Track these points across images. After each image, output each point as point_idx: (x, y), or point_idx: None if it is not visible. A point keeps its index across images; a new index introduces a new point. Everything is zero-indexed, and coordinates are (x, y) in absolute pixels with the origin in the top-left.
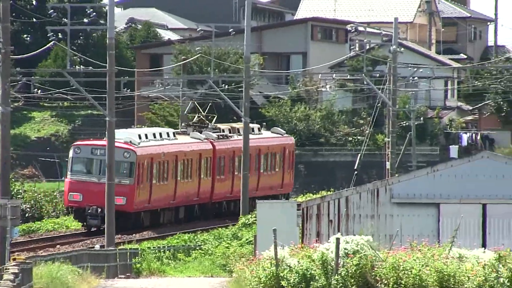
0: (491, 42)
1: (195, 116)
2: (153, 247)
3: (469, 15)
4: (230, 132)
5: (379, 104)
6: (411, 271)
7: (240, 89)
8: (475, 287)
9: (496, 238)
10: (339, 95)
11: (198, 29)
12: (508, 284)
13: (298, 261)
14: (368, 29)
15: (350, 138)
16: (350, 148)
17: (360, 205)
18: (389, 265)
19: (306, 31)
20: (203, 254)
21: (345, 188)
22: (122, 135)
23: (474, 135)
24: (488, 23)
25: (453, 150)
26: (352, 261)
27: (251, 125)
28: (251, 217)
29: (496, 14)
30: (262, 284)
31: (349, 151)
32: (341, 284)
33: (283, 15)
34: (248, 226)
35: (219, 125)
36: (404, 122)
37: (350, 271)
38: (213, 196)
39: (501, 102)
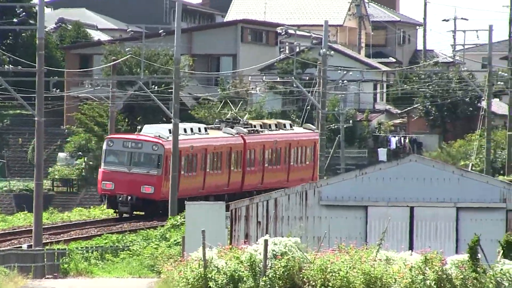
0: (420, 46)
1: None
2: (81, 248)
3: (398, 19)
4: (261, 128)
5: (309, 107)
6: (338, 273)
7: (170, 90)
8: None
9: (423, 241)
10: (268, 98)
11: (128, 30)
12: (435, 286)
13: (226, 263)
14: (298, 32)
15: None
16: None
17: (289, 207)
18: (317, 267)
19: (236, 33)
20: (131, 255)
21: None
22: (153, 130)
23: (402, 138)
24: (417, 27)
25: (382, 153)
26: (280, 263)
27: (282, 121)
28: (179, 218)
29: (424, 19)
30: (190, 285)
31: None
32: (268, 286)
33: (213, 17)
34: (176, 227)
35: (251, 121)
36: (333, 124)
37: (278, 273)
38: (243, 187)
39: (429, 106)
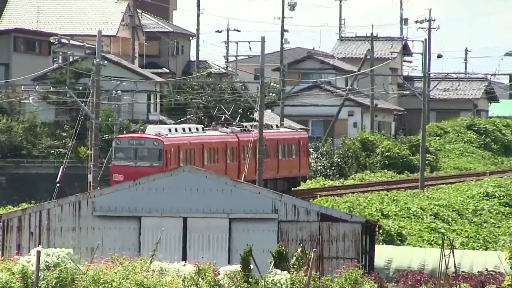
0: (193, 57)
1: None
2: None
3: (171, 30)
4: (251, 127)
5: (82, 117)
6: (111, 284)
7: None
8: None
9: (196, 251)
10: (42, 107)
11: None
12: None
13: None
14: (72, 42)
15: (53, 151)
16: (53, 161)
17: (62, 217)
18: (90, 278)
19: (9, 42)
20: None
21: (47, 200)
22: (154, 130)
23: None
24: (191, 38)
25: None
26: (52, 274)
27: (269, 122)
28: None
29: (198, 30)
30: None
31: (51, 163)
32: None
33: None
34: None
35: (242, 123)
36: (107, 135)
37: (50, 284)
38: (239, 177)
39: (202, 117)
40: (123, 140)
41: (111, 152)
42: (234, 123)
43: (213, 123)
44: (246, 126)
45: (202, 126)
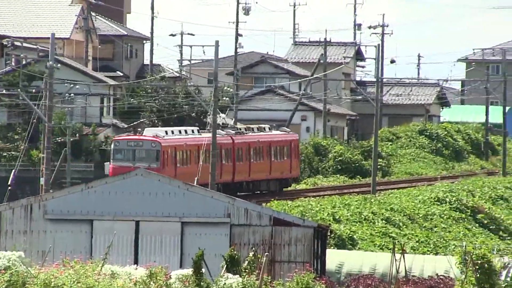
0: (147, 61)
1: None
2: None
3: (125, 33)
4: (246, 130)
5: (35, 120)
6: None
7: None
8: None
9: (148, 255)
10: None
11: None
12: None
13: None
14: (25, 44)
15: (5, 154)
16: (4, 164)
17: (13, 220)
18: (41, 282)
19: None
20: None
21: None
22: (152, 132)
23: None
24: (145, 42)
25: (108, 167)
26: (3, 277)
27: (262, 125)
28: None
29: (152, 33)
30: None
31: (3, 166)
32: None
33: None
34: None
35: (237, 126)
36: (60, 138)
37: (1, 287)
38: (235, 178)
39: (156, 120)
40: (121, 141)
41: (108, 154)
42: (229, 126)
43: (208, 125)
44: (240, 129)
45: (198, 128)
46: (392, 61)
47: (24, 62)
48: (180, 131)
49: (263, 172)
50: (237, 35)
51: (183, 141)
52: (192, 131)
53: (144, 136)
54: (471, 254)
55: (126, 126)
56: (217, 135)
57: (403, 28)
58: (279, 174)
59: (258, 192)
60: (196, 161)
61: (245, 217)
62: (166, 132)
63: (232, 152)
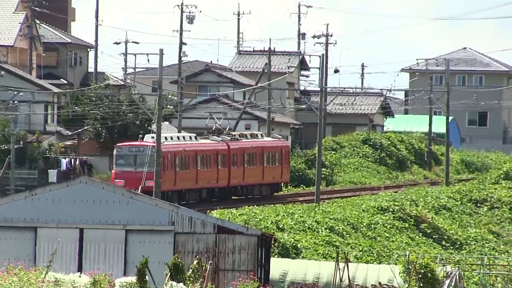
0: (91, 69)
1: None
2: None
3: (70, 41)
4: (240, 137)
5: None
6: None
7: None
8: None
9: (92, 262)
10: None
11: None
12: None
13: None
14: None
15: None
16: None
17: None
18: None
19: None
20: None
21: None
22: (153, 138)
23: (73, 160)
24: (89, 50)
25: (52, 174)
26: None
27: (255, 132)
28: None
29: (96, 41)
30: None
31: None
32: None
33: None
34: None
35: (232, 132)
36: (3, 145)
37: None
38: (230, 183)
39: (100, 128)
40: (123, 147)
41: (110, 159)
42: (224, 132)
43: (205, 132)
44: (235, 135)
45: (195, 135)
46: (336, 71)
47: None
48: (178, 137)
49: (257, 177)
50: (181, 43)
51: (181, 147)
52: (190, 137)
53: (145, 142)
54: (414, 263)
55: (70, 133)
56: (213, 141)
57: (347, 38)
58: (271, 179)
59: (251, 196)
60: (194, 167)
61: (189, 225)
62: (166, 138)
63: (228, 158)
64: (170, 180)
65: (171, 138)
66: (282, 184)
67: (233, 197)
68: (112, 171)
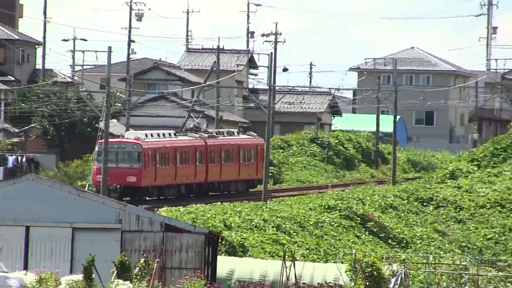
0: (39, 65)
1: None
2: None
3: (17, 37)
4: (217, 134)
5: None
6: None
7: None
8: None
9: (38, 260)
10: None
11: None
12: None
13: None
14: None
15: None
16: None
17: None
18: None
19: None
20: None
21: None
22: (133, 134)
23: (19, 157)
24: (37, 47)
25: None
26: None
27: (232, 129)
28: None
29: (44, 38)
30: None
31: None
32: None
33: None
34: None
35: (209, 130)
36: None
37: None
38: (207, 179)
39: (47, 125)
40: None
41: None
42: (202, 130)
43: (183, 129)
44: (212, 133)
45: (174, 131)
46: (285, 69)
47: None
48: (158, 134)
49: (233, 173)
50: (130, 41)
51: (162, 144)
52: (169, 134)
53: (126, 138)
54: (361, 261)
55: (17, 131)
56: (191, 138)
57: (296, 36)
58: (247, 175)
59: (227, 192)
60: (173, 163)
61: (137, 223)
62: (146, 135)
63: (205, 154)
64: (150, 176)
65: (151, 134)
66: (257, 180)
67: (210, 193)
68: (93, 167)
